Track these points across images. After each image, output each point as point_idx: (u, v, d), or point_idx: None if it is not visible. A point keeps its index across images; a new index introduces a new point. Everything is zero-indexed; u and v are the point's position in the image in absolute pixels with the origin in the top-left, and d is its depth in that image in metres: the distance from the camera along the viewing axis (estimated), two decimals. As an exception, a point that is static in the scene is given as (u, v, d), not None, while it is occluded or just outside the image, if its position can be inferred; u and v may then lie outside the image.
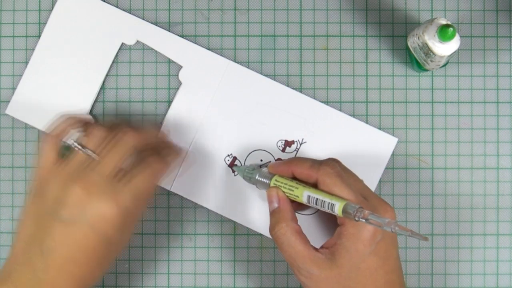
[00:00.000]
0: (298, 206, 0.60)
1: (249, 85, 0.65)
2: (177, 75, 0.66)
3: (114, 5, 0.66)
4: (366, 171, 0.64)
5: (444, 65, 0.63)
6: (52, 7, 0.66)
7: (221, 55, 0.65)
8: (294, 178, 0.59)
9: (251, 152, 0.65)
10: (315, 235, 0.64)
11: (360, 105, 0.65)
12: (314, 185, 0.57)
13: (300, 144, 0.65)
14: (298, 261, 0.56)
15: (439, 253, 0.66)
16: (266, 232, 0.62)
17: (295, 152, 0.65)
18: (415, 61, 0.62)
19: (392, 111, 0.65)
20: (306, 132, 0.65)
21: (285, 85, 0.65)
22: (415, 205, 0.65)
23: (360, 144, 0.65)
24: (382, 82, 0.66)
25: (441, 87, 0.66)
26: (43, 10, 0.66)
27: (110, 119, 0.66)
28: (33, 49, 0.65)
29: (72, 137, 0.58)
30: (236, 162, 0.65)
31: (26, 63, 0.66)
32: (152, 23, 0.66)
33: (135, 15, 0.66)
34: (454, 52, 0.58)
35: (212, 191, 0.65)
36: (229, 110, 0.65)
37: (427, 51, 0.58)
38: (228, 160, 0.65)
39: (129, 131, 0.58)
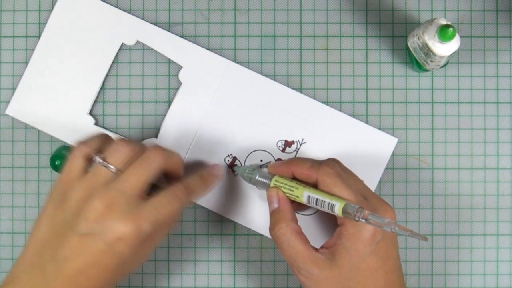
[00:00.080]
0: (298, 206, 0.60)
1: (249, 85, 0.65)
2: (177, 75, 0.65)
3: (114, 5, 0.66)
4: (366, 171, 0.64)
5: (444, 65, 0.63)
6: (52, 7, 0.66)
7: (221, 55, 0.65)
8: (294, 179, 0.59)
9: (251, 152, 0.65)
10: (315, 235, 0.64)
11: (360, 105, 0.65)
12: (314, 185, 0.57)
13: (300, 144, 0.65)
14: (298, 261, 0.56)
15: (439, 253, 0.66)
16: (266, 232, 0.62)
17: (295, 152, 0.65)
18: (415, 61, 0.62)
19: (392, 111, 0.65)
20: (306, 132, 0.65)
21: (285, 85, 0.65)
22: (415, 205, 0.65)
23: (360, 144, 0.65)
24: (382, 82, 0.66)
25: (441, 87, 0.66)
26: (43, 10, 0.66)
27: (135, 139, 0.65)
28: (33, 49, 0.65)
29: (99, 154, 0.57)
30: (236, 162, 0.65)
31: (26, 63, 0.66)
32: (152, 23, 0.66)
33: (135, 15, 0.66)
34: (454, 52, 0.58)
35: (212, 191, 0.65)
36: (229, 110, 0.65)
37: (427, 51, 0.58)
38: (228, 160, 0.65)
39: (158, 150, 0.57)
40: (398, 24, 0.66)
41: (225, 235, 0.66)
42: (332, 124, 0.65)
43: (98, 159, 0.56)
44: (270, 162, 0.65)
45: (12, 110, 0.66)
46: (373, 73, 0.66)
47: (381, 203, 0.57)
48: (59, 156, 0.62)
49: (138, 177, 0.55)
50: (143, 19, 0.66)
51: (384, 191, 0.65)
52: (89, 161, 0.56)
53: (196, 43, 0.66)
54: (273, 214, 0.58)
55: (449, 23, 0.56)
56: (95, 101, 0.66)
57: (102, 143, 0.58)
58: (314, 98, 0.65)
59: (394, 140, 0.65)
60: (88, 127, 0.65)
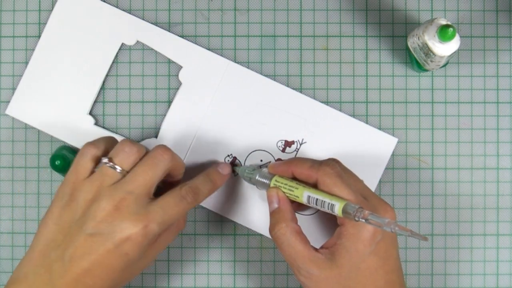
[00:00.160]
0: (298, 206, 0.60)
1: (249, 85, 0.65)
2: (177, 75, 0.65)
3: (114, 5, 0.66)
4: (366, 171, 0.64)
5: (444, 65, 0.63)
6: (52, 7, 0.66)
7: (221, 55, 0.65)
8: (294, 179, 0.59)
9: (251, 152, 0.65)
10: (315, 235, 0.64)
11: (360, 105, 0.65)
12: (314, 186, 0.57)
13: (300, 144, 0.65)
14: (298, 261, 0.56)
15: (439, 253, 0.66)
16: (266, 232, 0.62)
17: (295, 152, 0.65)
18: (415, 61, 0.62)
19: (392, 111, 0.65)
20: (306, 132, 0.65)
21: (285, 85, 0.65)
22: (415, 205, 0.65)
23: (360, 144, 0.65)
24: (382, 82, 0.66)
25: (441, 87, 0.66)
26: (43, 10, 0.66)
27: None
28: (33, 49, 0.65)
29: (105, 155, 0.57)
30: (236, 162, 0.65)
31: (26, 63, 0.66)
32: (152, 23, 0.66)
33: (135, 15, 0.66)
34: (454, 52, 0.58)
35: (212, 191, 0.65)
36: (229, 110, 0.65)
37: (427, 51, 0.58)
38: (228, 160, 0.65)
39: (164, 149, 0.57)
40: (398, 24, 0.66)
41: (225, 235, 0.66)
42: (332, 124, 0.65)
43: (105, 160, 0.56)
44: (270, 162, 0.65)
45: (12, 110, 0.66)
46: (373, 73, 0.66)
47: (381, 203, 0.57)
48: (59, 156, 0.62)
49: (145, 176, 0.55)
50: (143, 19, 0.66)
51: (384, 191, 0.65)
52: (96, 162, 0.57)
53: (196, 43, 0.66)
54: (273, 214, 0.58)
55: (449, 23, 0.56)
56: (95, 101, 0.66)
57: (108, 145, 0.58)
58: (314, 98, 0.65)
59: (394, 140, 0.65)
60: (88, 127, 0.65)
